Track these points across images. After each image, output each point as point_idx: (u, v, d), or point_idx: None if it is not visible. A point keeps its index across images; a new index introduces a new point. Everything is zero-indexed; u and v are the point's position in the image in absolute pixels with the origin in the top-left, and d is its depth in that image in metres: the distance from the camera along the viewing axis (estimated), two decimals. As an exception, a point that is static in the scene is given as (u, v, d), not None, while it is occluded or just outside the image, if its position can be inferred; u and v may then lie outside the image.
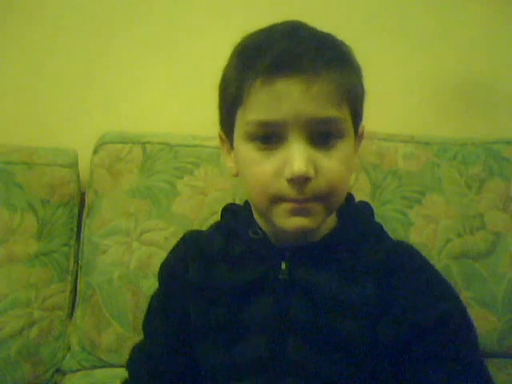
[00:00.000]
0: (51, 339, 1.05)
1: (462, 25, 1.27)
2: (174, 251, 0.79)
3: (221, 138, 0.75)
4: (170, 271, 0.77)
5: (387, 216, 1.08)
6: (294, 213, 0.64)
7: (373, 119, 1.20)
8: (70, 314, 1.09)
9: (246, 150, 0.66)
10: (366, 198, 1.08)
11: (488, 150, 1.14)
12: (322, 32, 0.69)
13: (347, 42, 0.71)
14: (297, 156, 0.62)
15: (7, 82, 1.22)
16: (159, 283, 0.79)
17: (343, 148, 0.65)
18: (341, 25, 1.23)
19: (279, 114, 0.62)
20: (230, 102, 0.68)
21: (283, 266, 0.68)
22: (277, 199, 0.65)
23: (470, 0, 1.27)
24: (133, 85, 1.23)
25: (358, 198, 0.85)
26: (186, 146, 1.11)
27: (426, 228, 1.09)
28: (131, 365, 0.76)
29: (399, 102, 1.27)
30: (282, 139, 0.64)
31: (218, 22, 1.22)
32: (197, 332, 0.72)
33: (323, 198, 0.65)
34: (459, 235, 1.09)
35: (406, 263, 0.69)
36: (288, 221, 0.65)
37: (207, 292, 0.72)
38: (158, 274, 0.80)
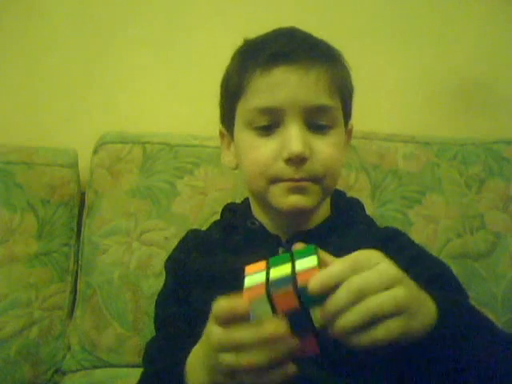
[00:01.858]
0: (51, 339, 1.05)
1: (462, 25, 1.27)
2: (178, 245, 0.84)
3: (221, 134, 0.80)
4: (175, 261, 0.81)
5: (387, 216, 1.08)
6: (291, 191, 0.69)
7: (373, 119, 1.22)
8: (70, 314, 1.09)
9: (246, 137, 0.71)
10: (366, 198, 1.08)
11: (488, 150, 1.14)
12: (314, 35, 0.75)
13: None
14: (294, 137, 0.67)
15: (7, 81, 1.22)
16: (166, 275, 0.81)
17: (335, 135, 0.71)
18: (342, 25, 1.24)
19: (277, 101, 0.68)
20: (232, 94, 0.73)
21: (280, 251, 0.72)
22: (275, 180, 0.69)
23: (470, 0, 1.27)
24: (133, 85, 1.23)
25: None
26: (186, 146, 1.11)
27: (426, 228, 1.09)
28: (146, 359, 0.75)
29: (399, 102, 1.27)
30: (279, 125, 0.69)
31: (218, 22, 1.22)
32: (199, 318, 0.73)
33: (318, 178, 0.70)
34: (459, 235, 1.09)
35: (395, 242, 0.73)
36: (286, 200, 0.70)
37: (208, 278, 0.73)
38: (165, 267, 0.83)
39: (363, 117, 1.17)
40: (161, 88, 1.24)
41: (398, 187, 1.10)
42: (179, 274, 0.78)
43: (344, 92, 0.73)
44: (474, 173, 1.12)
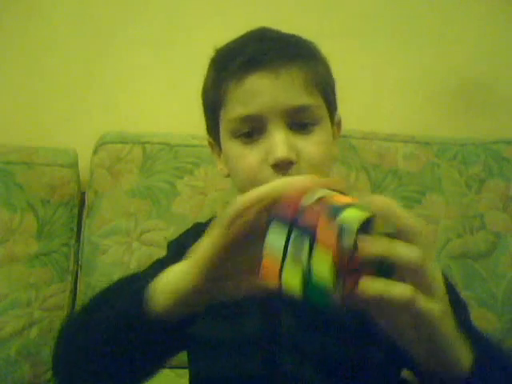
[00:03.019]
0: (51, 339, 1.05)
1: (462, 25, 1.27)
2: (183, 233, 0.85)
3: (210, 144, 0.80)
4: (176, 245, 0.81)
5: (387, 216, 1.08)
6: None
7: (373, 119, 1.22)
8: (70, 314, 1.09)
9: (232, 147, 0.71)
10: (366, 198, 1.08)
11: (488, 150, 1.14)
12: (287, 33, 0.74)
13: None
14: (278, 142, 0.66)
15: (7, 81, 1.22)
16: (167, 252, 0.82)
17: (320, 133, 0.70)
18: (342, 25, 1.24)
19: (255, 108, 0.67)
20: (212, 106, 0.73)
21: None
22: None
23: (470, 0, 1.27)
24: (133, 85, 1.23)
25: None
26: (186, 146, 1.11)
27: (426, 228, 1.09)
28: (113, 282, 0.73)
29: (399, 102, 1.27)
30: (262, 131, 0.68)
31: (218, 22, 1.22)
32: None
33: None
34: (459, 235, 1.09)
35: None
36: None
37: None
38: (167, 246, 0.84)
39: (363, 117, 1.17)
40: (161, 88, 1.24)
41: (397, 187, 1.10)
42: (177, 258, 0.79)
43: (324, 86, 0.72)
44: (474, 173, 1.12)
